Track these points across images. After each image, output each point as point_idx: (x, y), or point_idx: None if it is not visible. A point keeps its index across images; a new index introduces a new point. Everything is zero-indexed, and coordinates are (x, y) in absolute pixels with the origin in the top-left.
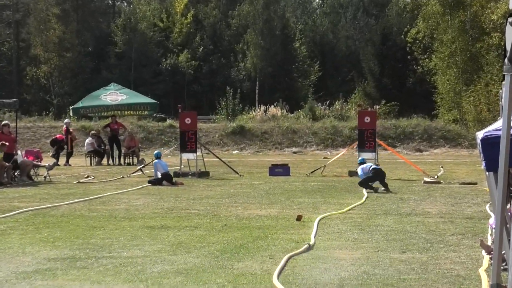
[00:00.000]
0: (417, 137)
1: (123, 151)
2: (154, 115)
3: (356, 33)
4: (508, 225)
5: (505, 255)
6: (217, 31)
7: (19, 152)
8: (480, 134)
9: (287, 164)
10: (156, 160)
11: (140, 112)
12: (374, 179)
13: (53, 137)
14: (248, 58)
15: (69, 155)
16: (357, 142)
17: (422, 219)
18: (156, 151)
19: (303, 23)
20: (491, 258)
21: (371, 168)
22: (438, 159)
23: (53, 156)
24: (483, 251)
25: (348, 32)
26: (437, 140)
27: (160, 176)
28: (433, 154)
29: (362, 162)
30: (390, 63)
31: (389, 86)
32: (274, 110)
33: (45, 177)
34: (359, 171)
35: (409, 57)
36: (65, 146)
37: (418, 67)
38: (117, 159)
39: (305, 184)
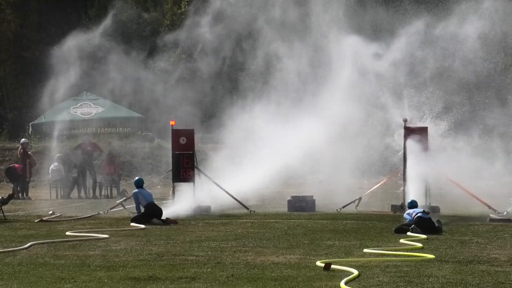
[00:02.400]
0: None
1: (98, 180)
2: (139, 133)
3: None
4: None
5: None
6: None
7: None
8: None
9: (312, 196)
10: (136, 190)
11: (120, 129)
12: (414, 229)
13: (9, 166)
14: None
15: (26, 185)
16: (401, 169)
17: (487, 267)
18: (136, 178)
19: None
20: None
21: (416, 215)
22: (508, 189)
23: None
24: None
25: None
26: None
27: (143, 210)
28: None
29: (411, 205)
30: None
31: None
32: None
33: None
34: (406, 217)
35: None
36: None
37: None
38: (90, 191)
39: (334, 223)
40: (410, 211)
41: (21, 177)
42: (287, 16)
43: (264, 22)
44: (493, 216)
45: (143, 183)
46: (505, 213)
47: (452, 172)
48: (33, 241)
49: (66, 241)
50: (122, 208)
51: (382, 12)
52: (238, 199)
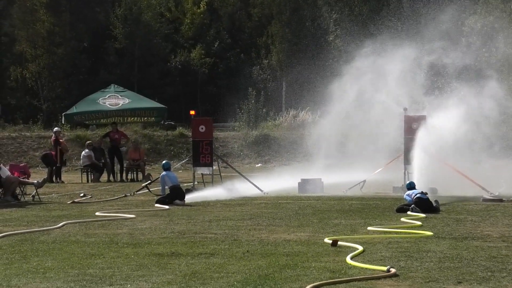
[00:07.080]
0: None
1: (125, 165)
2: (162, 122)
3: (401, 23)
4: None
5: None
6: (236, 22)
7: (2, 167)
8: None
9: (320, 179)
10: (164, 173)
11: (145, 118)
12: (414, 209)
13: (45, 152)
14: (272, 53)
15: (59, 169)
16: (399, 155)
17: (481, 243)
18: (164, 161)
19: (338, 11)
20: None
21: (415, 196)
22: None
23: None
24: None
25: (392, 22)
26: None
27: (168, 192)
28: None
29: (410, 187)
30: None
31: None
32: (304, 115)
33: (33, 196)
34: (406, 198)
35: None
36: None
37: None
38: (118, 175)
39: (341, 203)
40: (410, 192)
41: (55, 162)
42: None
43: None
44: (486, 196)
45: (170, 166)
46: (497, 193)
47: (448, 156)
48: (65, 221)
49: (96, 220)
50: (147, 190)
51: None
52: (252, 182)
